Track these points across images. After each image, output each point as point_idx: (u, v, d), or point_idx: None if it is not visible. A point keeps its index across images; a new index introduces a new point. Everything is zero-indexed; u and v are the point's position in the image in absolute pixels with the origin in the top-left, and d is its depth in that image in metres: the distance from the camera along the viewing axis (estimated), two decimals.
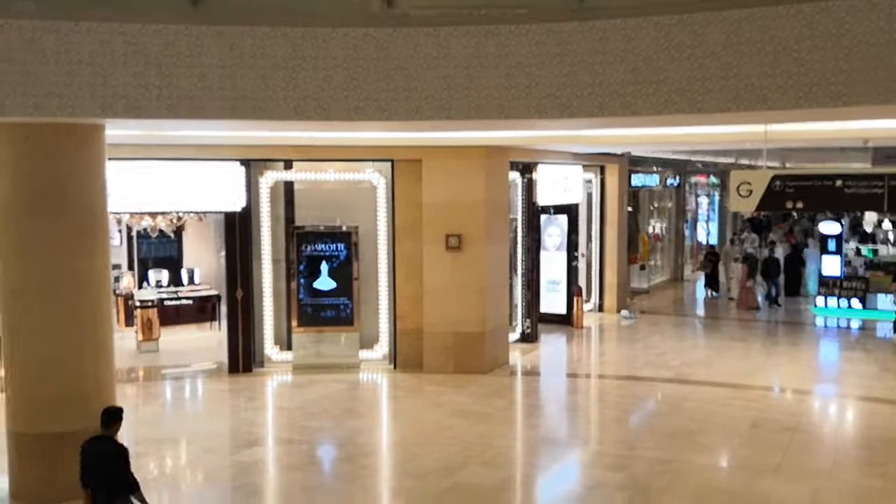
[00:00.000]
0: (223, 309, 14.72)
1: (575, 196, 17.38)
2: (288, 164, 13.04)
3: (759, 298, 19.70)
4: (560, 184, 16.39)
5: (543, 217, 16.71)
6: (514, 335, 14.82)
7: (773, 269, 19.71)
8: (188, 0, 6.83)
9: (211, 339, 15.11)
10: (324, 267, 13.15)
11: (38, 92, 6.68)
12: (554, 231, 17.36)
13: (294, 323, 13.15)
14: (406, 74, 6.95)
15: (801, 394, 12.23)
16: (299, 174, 13.16)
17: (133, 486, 5.97)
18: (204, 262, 17.13)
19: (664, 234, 25.48)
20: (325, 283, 13.17)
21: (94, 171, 7.74)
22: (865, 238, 27.67)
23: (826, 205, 11.39)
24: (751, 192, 10.42)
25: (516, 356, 14.01)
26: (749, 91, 6.51)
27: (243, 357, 12.91)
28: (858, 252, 23.82)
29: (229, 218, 12.74)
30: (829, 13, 6.20)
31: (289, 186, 13.24)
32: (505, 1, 7.05)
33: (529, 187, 15.08)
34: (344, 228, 13.20)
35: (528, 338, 15.23)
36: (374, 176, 13.15)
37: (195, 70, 6.73)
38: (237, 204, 12.58)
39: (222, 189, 12.48)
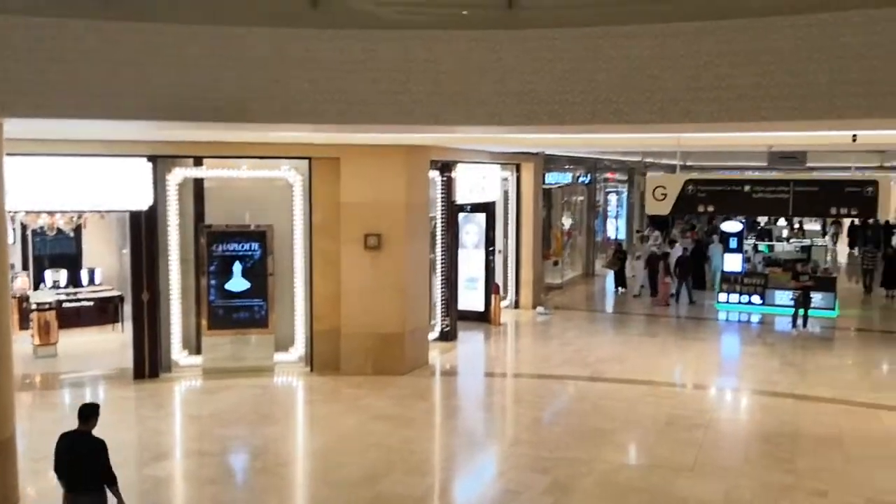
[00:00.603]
0: (126, 310, 14.04)
1: (492, 194, 17.44)
2: (198, 161, 12.51)
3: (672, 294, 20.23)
4: (478, 182, 16.40)
5: (461, 215, 16.68)
6: (433, 334, 14.75)
7: (685, 266, 20.16)
8: None
9: (113, 342, 14.38)
10: (236, 267, 12.70)
11: None
12: (472, 229, 17.38)
13: (204, 325, 12.65)
14: (338, 78, 6.72)
15: (709, 390, 12.65)
16: (210, 171, 12.64)
17: (112, 480, 6.00)
18: (105, 262, 16.26)
19: (576, 229, 25.97)
20: (237, 283, 12.72)
21: None
22: (763, 235, 29.05)
23: (736, 209, 11.80)
24: (665, 195, 10.70)
25: (435, 356, 13.93)
26: (673, 105, 6.61)
27: (149, 362, 12.33)
28: (756, 249, 24.98)
29: (135, 216, 12.11)
30: (747, 30, 6.37)
31: (199, 184, 12.70)
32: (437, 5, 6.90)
33: (448, 186, 15.00)
34: (257, 227, 12.78)
35: (447, 336, 15.18)
36: (291, 174, 12.78)
37: (106, 66, 6.29)
38: (144, 202, 11.97)
39: (128, 186, 11.84)
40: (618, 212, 31.68)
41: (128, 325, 13.39)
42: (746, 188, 10.29)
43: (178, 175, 12.35)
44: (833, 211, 9.92)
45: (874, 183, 9.60)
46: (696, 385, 13.01)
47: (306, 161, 12.65)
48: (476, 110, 6.86)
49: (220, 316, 12.68)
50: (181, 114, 6.55)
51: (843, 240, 33.43)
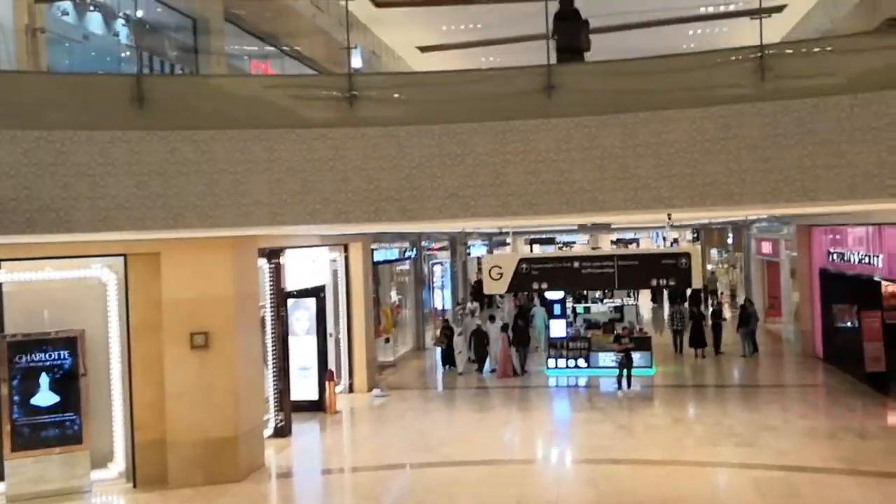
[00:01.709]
0: None
1: (322, 277, 17.08)
2: None
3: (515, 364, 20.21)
4: (307, 266, 16.00)
5: (290, 301, 16.14)
6: (268, 430, 13.95)
7: (522, 336, 20.48)
8: None
9: None
10: (43, 379, 11.40)
11: None
12: (302, 315, 16.84)
13: (7, 447, 11.17)
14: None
15: (551, 462, 12.85)
16: (9, 275, 11.37)
17: None
18: None
19: (405, 304, 26.03)
20: (45, 397, 11.40)
21: None
22: (579, 298, 30.59)
23: (567, 285, 12.24)
24: (501, 275, 10.92)
25: (271, 455, 13.14)
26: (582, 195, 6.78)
27: None
28: (574, 311, 26.21)
29: None
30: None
31: None
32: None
33: (277, 272, 14.46)
34: (65, 333, 11.58)
35: (282, 432, 14.41)
36: (104, 272, 11.78)
37: None
38: None
39: None
40: (443, 282, 32.23)
41: None
42: (576, 265, 10.72)
43: None
44: (654, 283, 10.54)
45: (687, 255, 10.33)
46: (538, 459, 13.17)
47: (121, 258, 11.72)
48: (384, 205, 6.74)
49: (25, 435, 11.26)
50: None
51: (646, 294, 35.95)
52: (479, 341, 20.63)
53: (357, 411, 16.83)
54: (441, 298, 31.47)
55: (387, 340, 22.27)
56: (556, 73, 6.76)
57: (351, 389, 18.47)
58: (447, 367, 21.42)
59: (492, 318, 22.31)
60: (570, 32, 7.72)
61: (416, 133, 6.79)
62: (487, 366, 20.65)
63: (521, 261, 10.93)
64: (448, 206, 6.88)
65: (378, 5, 26.02)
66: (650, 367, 19.13)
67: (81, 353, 11.56)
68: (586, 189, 6.66)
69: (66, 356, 11.53)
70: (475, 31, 28.47)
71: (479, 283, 29.11)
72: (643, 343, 19.23)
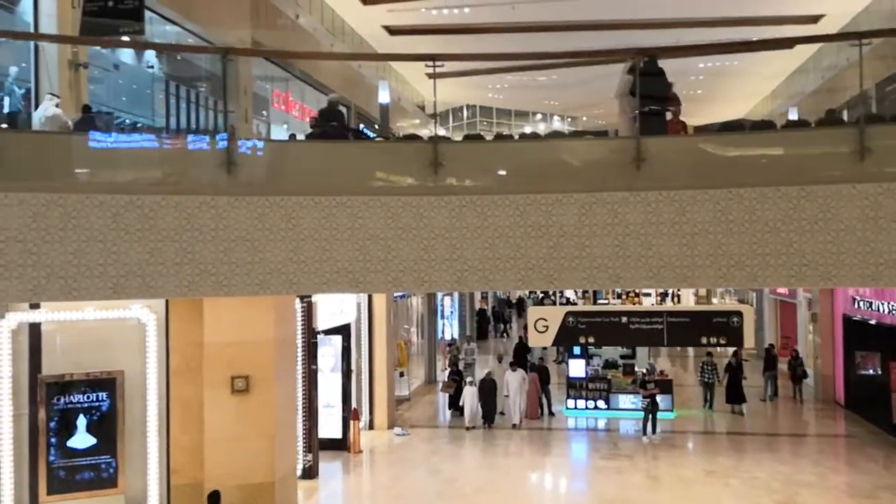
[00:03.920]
0: None
1: (349, 315, 16.99)
2: (35, 303, 11.07)
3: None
4: (337, 305, 15.91)
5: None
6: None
7: (544, 375, 19.63)
8: None
9: None
10: (81, 421, 11.22)
11: None
12: (327, 351, 16.72)
13: (42, 491, 10.96)
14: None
15: None
16: (50, 314, 11.21)
17: None
18: None
19: (418, 336, 25.93)
20: (82, 440, 11.20)
21: None
22: None
23: (615, 340, 12.22)
24: (547, 327, 10.88)
25: (300, 499, 12.96)
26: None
27: None
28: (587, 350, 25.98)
29: None
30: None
31: (35, 328, 11.20)
32: None
33: (309, 312, 14.37)
34: (104, 375, 11.42)
35: (309, 473, 14.26)
36: (143, 313, 11.62)
37: None
38: None
39: None
40: (451, 312, 32.18)
41: None
42: (624, 319, 10.69)
43: (11, 320, 10.82)
44: (703, 340, 10.52)
45: (739, 314, 10.29)
46: None
47: (162, 299, 11.59)
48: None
49: (61, 478, 11.05)
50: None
51: None
52: (490, 392, 18.48)
53: (380, 451, 16.65)
54: (450, 329, 31.40)
55: (401, 374, 22.08)
56: (646, 145, 6.74)
57: (371, 426, 18.30)
58: (453, 410, 20.05)
59: (512, 366, 19.01)
60: (655, 88, 7.52)
61: (499, 203, 6.74)
62: (506, 417, 18.69)
63: (568, 314, 10.92)
64: (531, 277, 6.82)
65: (392, 33, 26.30)
66: (671, 410, 19.02)
67: (119, 395, 11.40)
68: (674, 264, 6.60)
69: (105, 397, 11.36)
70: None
71: (522, 341, 26.22)
72: (665, 386, 19.09)
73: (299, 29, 20.74)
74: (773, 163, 6.72)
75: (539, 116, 52.99)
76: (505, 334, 37.83)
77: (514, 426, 18.08)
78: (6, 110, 11.90)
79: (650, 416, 17.22)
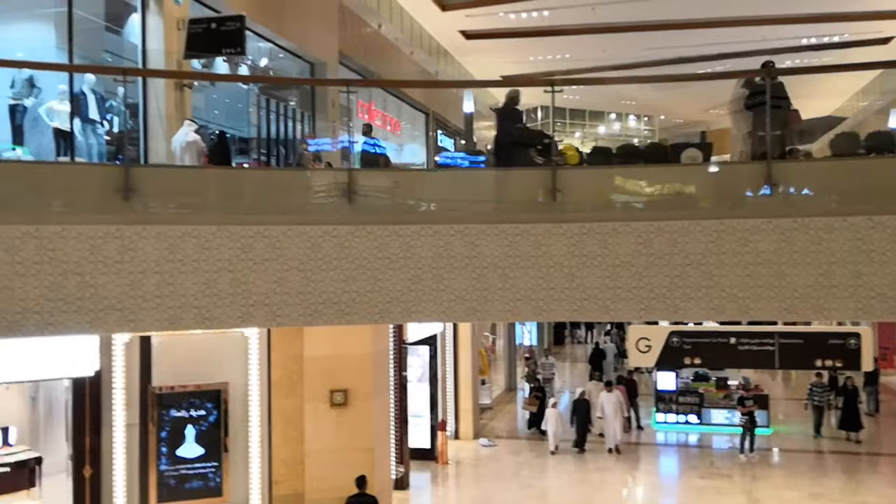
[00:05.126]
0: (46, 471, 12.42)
1: (436, 326, 17.04)
2: None
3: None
4: None
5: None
6: None
7: (632, 388, 19.37)
8: None
9: None
10: (189, 431, 11.56)
11: None
12: (415, 362, 16.81)
13: (153, 498, 11.34)
14: None
15: None
16: None
17: None
18: (15, 417, 14.47)
19: (497, 344, 25.89)
20: (190, 449, 11.54)
21: None
22: None
23: (722, 362, 11.89)
24: (649, 347, 10.64)
25: None
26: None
27: None
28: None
29: (78, 384, 10.85)
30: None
31: (146, 342, 11.60)
32: None
33: (401, 325, 14.47)
34: (211, 386, 11.74)
35: (401, 484, 14.36)
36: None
37: None
38: (89, 368, 10.77)
39: (72, 351, 10.64)
40: None
41: (48, 489, 11.86)
42: (732, 340, 10.38)
43: (124, 335, 11.24)
44: (818, 363, 10.13)
45: (857, 335, 9.87)
46: None
47: None
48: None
49: (170, 486, 11.40)
50: None
51: None
52: (582, 414, 17.48)
53: (467, 462, 16.63)
54: (528, 336, 31.15)
55: (483, 382, 22.03)
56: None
57: (457, 436, 18.33)
58: (534, 430, 19.17)
59: (608, 385, 17.89)
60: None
61: (620, 230, 6.63)
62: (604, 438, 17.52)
63: (672, 334, 10.66)
64: (653, 307, 6.67)
65: (468, 37, 26.27)
66: (768, 426, 18.42)
67: (225, 406, 11.70)
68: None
69: (211, 408, 11.67)
70: (562, 62, 28.49)
71: (598, 347, 26.60)
72: (762, 401, 18.48)
73: (382, 38, 20.98)
74: None
75: (613, 116, 52.29)
76: (585, 340, 37.36)
77: (609, 451, 16.99)
78: (115, 129, 12.36)
79: (748, 433, 16.69)
